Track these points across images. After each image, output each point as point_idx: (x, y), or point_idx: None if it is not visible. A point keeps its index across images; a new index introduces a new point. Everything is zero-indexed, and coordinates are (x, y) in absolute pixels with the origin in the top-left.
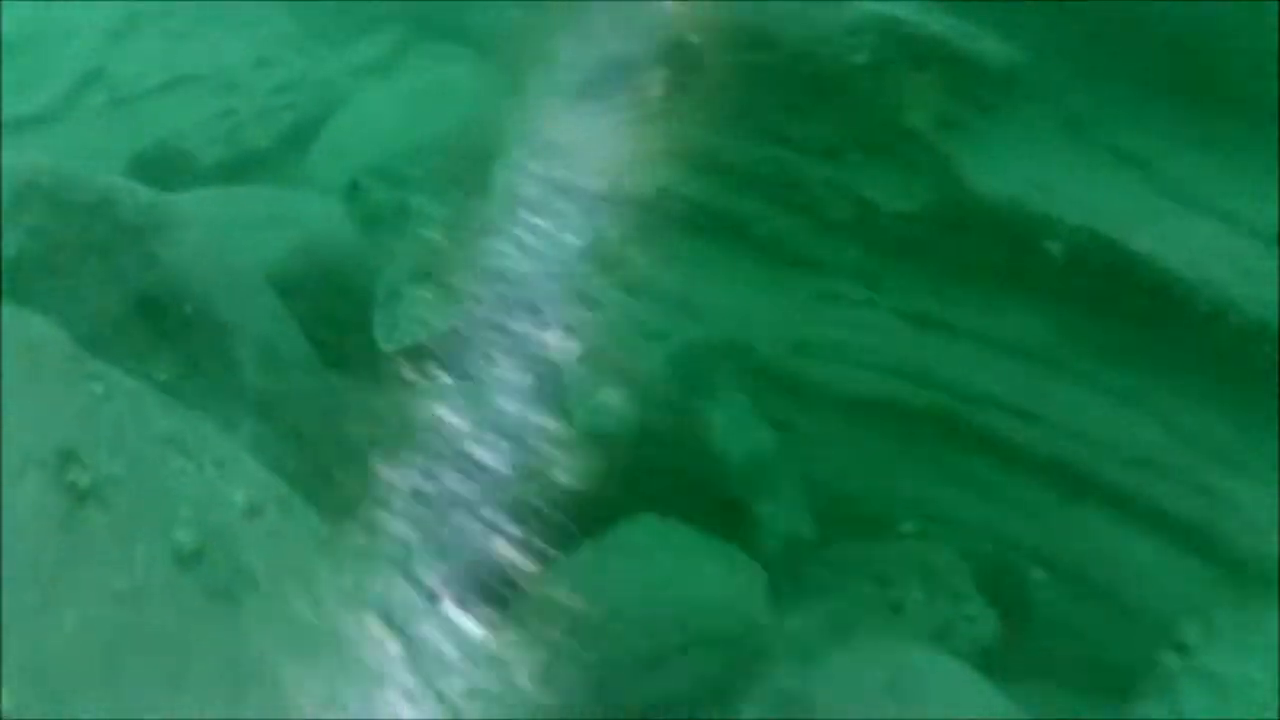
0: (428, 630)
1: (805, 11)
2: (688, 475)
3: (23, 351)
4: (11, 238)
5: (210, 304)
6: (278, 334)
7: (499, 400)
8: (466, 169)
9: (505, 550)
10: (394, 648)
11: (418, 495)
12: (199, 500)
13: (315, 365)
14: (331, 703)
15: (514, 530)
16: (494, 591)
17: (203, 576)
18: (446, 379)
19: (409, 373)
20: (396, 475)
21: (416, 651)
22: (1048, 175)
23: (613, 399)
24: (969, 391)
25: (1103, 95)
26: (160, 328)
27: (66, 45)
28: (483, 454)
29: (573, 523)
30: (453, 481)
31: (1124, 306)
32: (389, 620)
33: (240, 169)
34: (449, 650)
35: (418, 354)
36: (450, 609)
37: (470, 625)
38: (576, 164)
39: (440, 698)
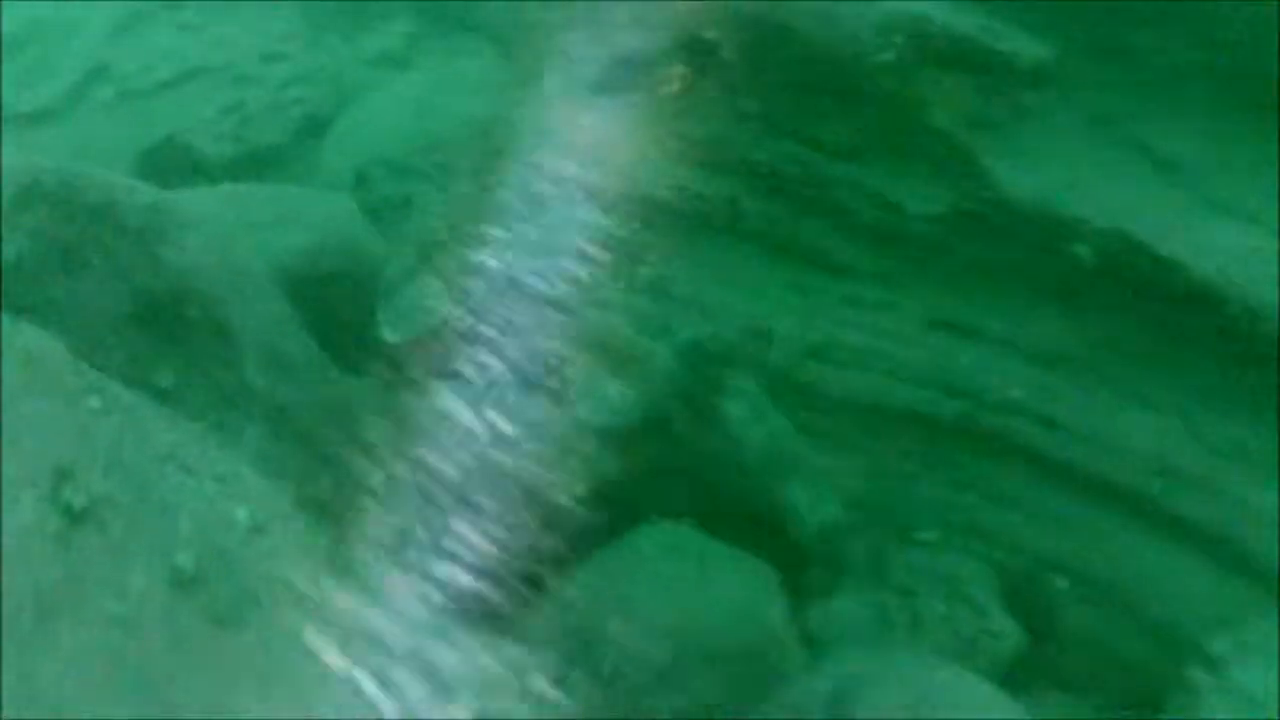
0: (436, 650)
1: (830, 9)
2: (706, 469)
3: (19, 365)
4: (11, 240)
5: (215, 307)
6: (284, 337)
7: (505, 398)
8: (478, 163)
9: (516, 559)
10: (400, 671)
11: (425, 502)
12: (199, 519)
13: (323, 368)
14: None
15: (525, 538)
16: (504, 604)
17: (202, 600)
18: (452, 376)
19: (416, 372)
20: (404, 481)
21: (425, 673)
22: (1077, 176)
23: (616, 392)
24: (993, 398)
25: (1133, 94)
26: (164, 332)
27: (72, 39)
28: (491, 457)
29: (586, 529)
30: (461, 487)
31: (1153, 312)
32: (395, 640)
33: (249, 165)
34: (458, 669)
35: (423, 348)
36: (459, 625)
37: (480, 642)
38: (589, 161)
39: None
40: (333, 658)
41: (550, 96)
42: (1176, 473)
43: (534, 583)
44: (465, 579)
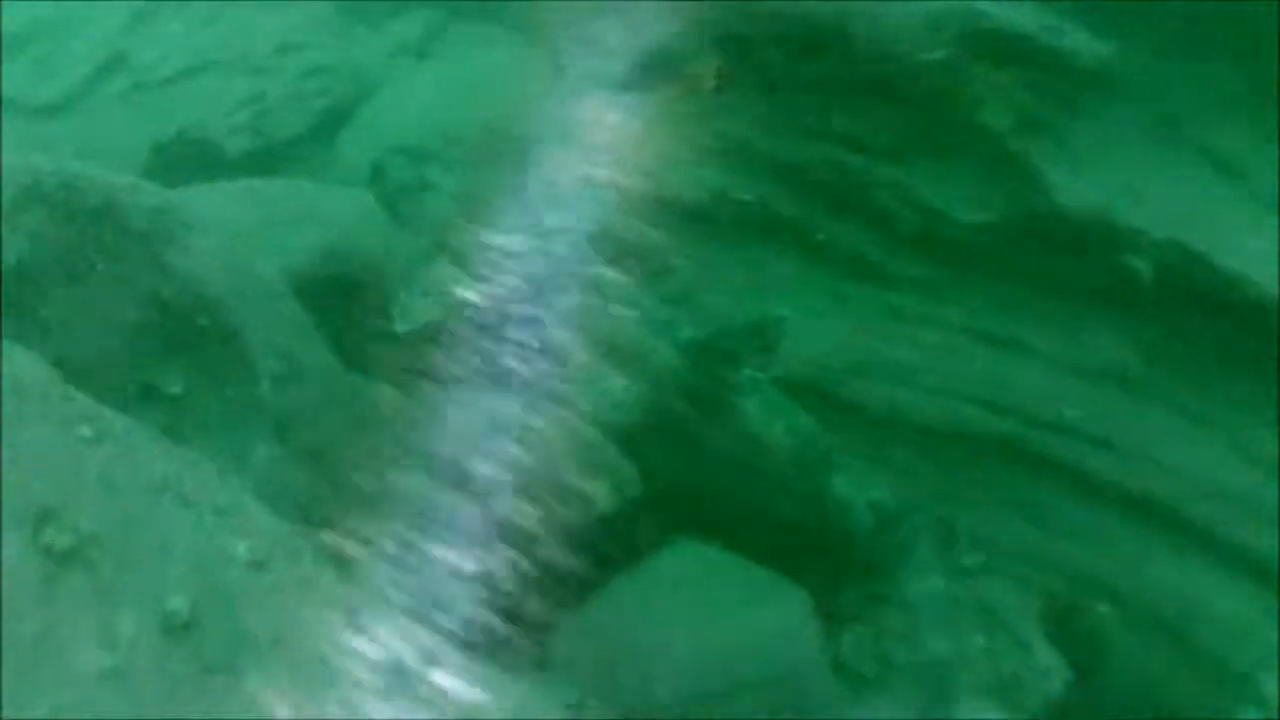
0: (448, 682)
1: (876, 5)
2: (730, 476)
3: (7, 393)
4: (11, 244)
5: (225, 313)
6: (297, 345)
7: (517, 398)
8: (497, 156)
9: (533, 583)
10: (411, 709)
11: (437, 522)
12: (196, 556)
13: (336, 377)
14: None
15: (543, 559)
16: (520, 631)
17: (195, 648)
18: (462, 376)
19: (427, 371)
20: (415, 499)
21: (437, 707)
22: (1135, 182)
23: (624, 391)
24: (1040, 417)
25: (1197, 95)
26: (171, 341)
27: (86, 28)
28: (506, 469)
29: (607, 549)
30: (475, 504)
31: (1212, 328)
32: (405, 678)
33: (267, 159)
34: (471, 701)
35: (433, 342)
36: (472, 654)
37: (494, 672)
38: (614, 157)
39: None
40: (336, 708)
41: (576, 89)
42: (1230, 496)
43: (552, 608)
44: (479, 605)
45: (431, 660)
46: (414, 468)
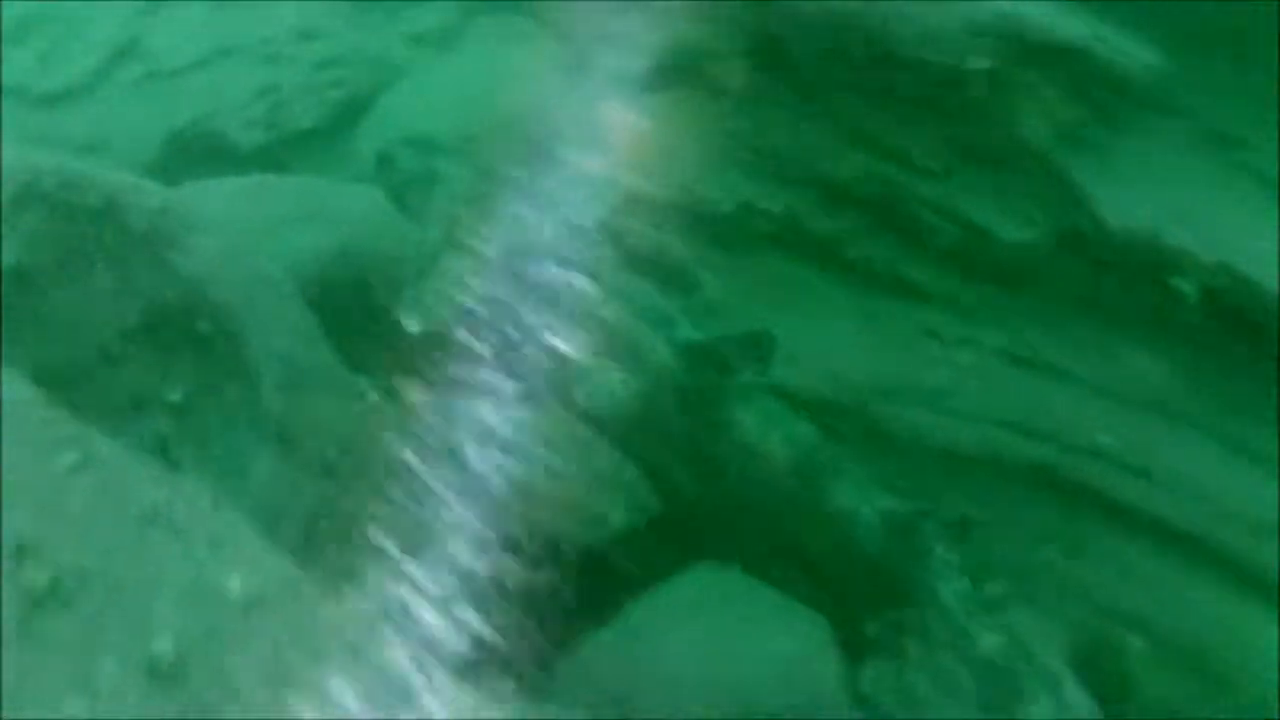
0: (450, 715)
1: (915, 8)
2: (741, 497)
3: None
4: (10, 245)
5: (229, 318)
6: (303, 351)
7: (524, 405)
8: (512, 153)
9: (542, 608)
10: None
11: (441, 542)
12: (185, 592)
13: (343, 384)
14: None
15: (550, 584)
16: (527, 660)
17: (182, 695)
18: (469, 379)
19: (434, 373)
20: (419, 516)
21: None
22: (1183, 201)
23: (631, 395)
24: (1076, 443)
25: (1249, 112)
26: (172, 346)
27: (99, 15)
28: (514, 484)
29: (619, 573)
30: (481, 521)
31: (1259, 356)
32: (404, 708)
33: (281, 152)
34: None
35: (441, 342)
36: (477, 684)
37: (499, 702)
38: (637, 161)
39: None
40: None
41: (598, 86)
42: (1272, 531)
43: (561, 634)
44: (485, 633)
45: (433, 691)
46: (418, 481)
